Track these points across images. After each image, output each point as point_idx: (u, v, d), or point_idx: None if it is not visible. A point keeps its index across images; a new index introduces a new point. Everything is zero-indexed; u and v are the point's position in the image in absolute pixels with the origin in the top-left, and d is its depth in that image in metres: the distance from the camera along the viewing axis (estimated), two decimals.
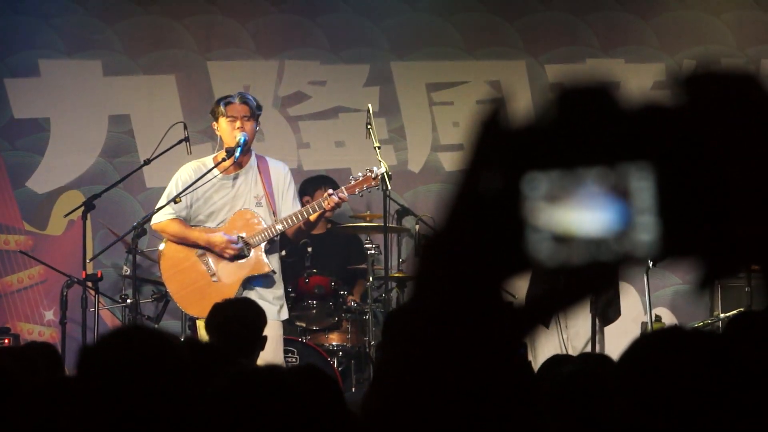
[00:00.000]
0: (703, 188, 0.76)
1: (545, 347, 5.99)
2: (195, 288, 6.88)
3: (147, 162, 7.19)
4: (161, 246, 6.95)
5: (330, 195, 6.65)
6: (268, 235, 6.74)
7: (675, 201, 0.75)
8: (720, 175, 0.76)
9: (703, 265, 0.77)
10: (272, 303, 6.67)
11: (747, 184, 0.76)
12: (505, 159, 0.79)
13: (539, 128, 0.79)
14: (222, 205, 6.77)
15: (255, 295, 6.69)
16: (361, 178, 6.91)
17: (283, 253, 7.23)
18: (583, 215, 0.76)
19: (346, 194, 6.78)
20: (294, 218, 6.80)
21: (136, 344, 2.38)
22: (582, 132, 0.77)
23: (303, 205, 7.04)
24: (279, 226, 6.77)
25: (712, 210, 0.76)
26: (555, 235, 0.77)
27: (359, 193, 6.99)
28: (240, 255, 6.87)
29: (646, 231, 0.75)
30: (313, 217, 6.78)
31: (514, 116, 0.80)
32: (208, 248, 6.81)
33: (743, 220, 0.75)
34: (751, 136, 0.77)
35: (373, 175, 6.91)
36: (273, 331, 6.19)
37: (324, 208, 6.67)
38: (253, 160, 6.87)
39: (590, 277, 0.78)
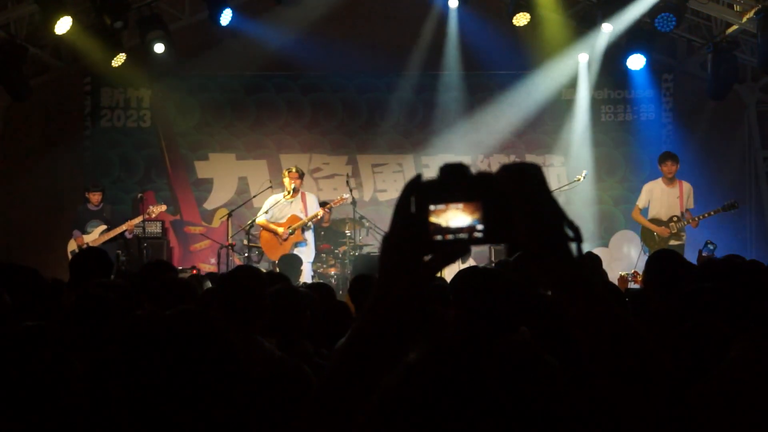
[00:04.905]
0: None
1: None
2: (272, 246, 11.49)
3: (254, 197, 12.32)
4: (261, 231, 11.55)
5: (324, 207, 11.12)
6: (301, 225, 11.21)
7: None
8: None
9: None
10: (305, 254, 11.33)
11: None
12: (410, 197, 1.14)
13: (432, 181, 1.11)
14: (285, 213, 11.43)
15: (299, 250, 11.32)
16: (336, 199, 11.51)
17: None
18: (454, 219, 1.09)
19: (332, 206, 11.21)
20: (313, 218, 11.28)
21: (250, 272, 3.91)
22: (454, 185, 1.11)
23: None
24: (306, 221, 11.26)
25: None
26: (437, 228, 1.12)
27: (336, 205, 11.24)
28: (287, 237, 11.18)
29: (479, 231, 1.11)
30: (323, 215, 11.07)
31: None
32: (276, 232, 11.41)
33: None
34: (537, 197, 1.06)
35: (342, 196, 11.33)
36: (305, 266, 11.17)
37: (324, 212, 11.02)
38: (300, 195, 11.19)
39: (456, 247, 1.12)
